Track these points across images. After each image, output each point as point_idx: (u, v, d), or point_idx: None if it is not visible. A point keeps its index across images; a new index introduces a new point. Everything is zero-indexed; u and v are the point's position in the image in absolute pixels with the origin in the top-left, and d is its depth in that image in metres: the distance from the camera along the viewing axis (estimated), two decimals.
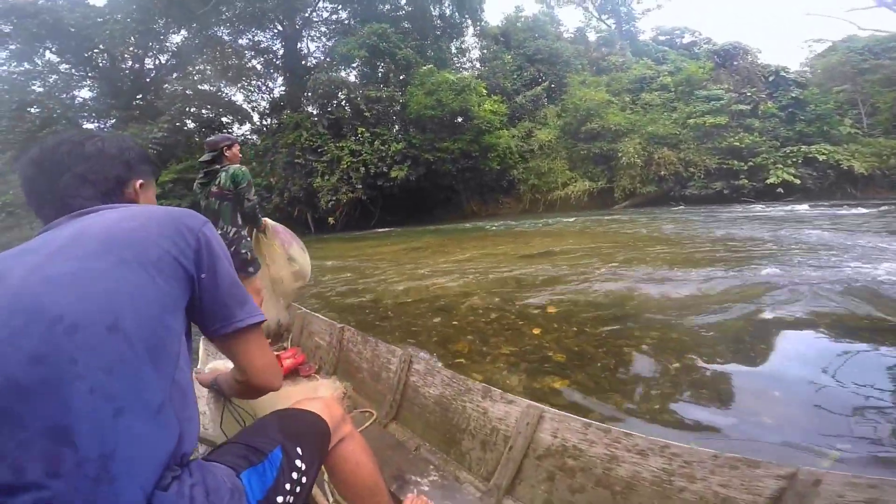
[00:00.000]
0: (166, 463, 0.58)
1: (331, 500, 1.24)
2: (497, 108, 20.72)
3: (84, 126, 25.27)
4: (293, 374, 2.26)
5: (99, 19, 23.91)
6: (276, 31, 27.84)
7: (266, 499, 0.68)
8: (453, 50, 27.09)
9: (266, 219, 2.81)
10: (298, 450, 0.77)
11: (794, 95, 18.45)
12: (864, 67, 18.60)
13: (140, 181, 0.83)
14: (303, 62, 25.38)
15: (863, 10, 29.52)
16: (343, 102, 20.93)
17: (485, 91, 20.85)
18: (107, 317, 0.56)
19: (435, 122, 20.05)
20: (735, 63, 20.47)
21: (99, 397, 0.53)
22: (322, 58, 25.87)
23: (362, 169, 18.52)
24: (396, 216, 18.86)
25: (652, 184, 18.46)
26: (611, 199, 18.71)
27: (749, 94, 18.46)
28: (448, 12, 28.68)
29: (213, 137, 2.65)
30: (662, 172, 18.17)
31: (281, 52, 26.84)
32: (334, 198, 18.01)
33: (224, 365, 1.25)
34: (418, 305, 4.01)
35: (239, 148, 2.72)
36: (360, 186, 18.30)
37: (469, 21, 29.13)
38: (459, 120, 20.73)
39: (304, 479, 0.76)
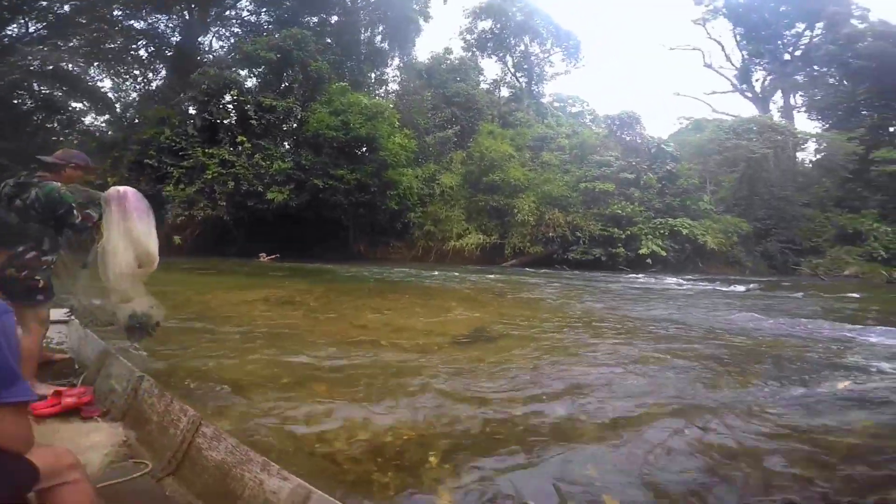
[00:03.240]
0: None
1: None
2: (407, 143, 18.91)
3: None
4: (73, 413, 2.05)
5: None
6: (181, 17, 23.75)
7: None
8: (372, 78, 25.22)
9: (114, 188, 2.41)
10: None
11: (668, 168, 19.02)
12: (727, 146, 19.95)
13: None
14: (199, 58, 21.53)
15: (721, 94, 33.98)
16: (229, 106, 17.63)
17: (397, 123, 19.00)
18: None
19: (334, 146, 17.53)
20: (625, 132, 21.06)
21: None
22: (223, 55, 22.27)
23: (231, 184, 15.27)
24: (264, 246, 15.60)
25: (539, 244, 17.74)
26: (500, 255, 17.62)
27: (634, 163, 18.74)
28: (379, 39, 27.07)
29: (73, 151, 2.47)
30: (551, 234, 17.56)
31: (176, 40, 22.72)
32: (186, 213, 14.45)
33: None
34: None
35: (87, 174, 2.54)
36: (224, 204, 15.00)
37: (397, 52, 27.77)
38: (364, 149, 18.48)
39: None
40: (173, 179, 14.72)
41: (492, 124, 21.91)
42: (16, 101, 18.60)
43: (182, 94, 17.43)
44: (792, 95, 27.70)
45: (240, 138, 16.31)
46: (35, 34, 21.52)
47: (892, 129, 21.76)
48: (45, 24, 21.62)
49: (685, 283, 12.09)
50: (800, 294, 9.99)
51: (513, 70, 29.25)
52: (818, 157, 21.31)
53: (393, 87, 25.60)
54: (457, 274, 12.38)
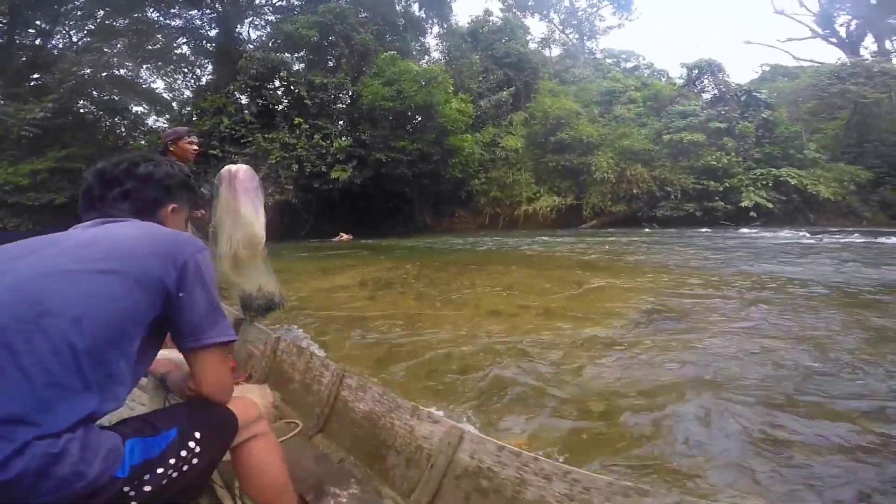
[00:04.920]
0: (72, 426, 0.62)
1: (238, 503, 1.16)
2: (464, 107, 17.44)
3: None
4: None
5: None
6: (214, 10, 23.11)
7: (142, 465, 0.69)
8: (414, 49, 23.65)
9: (227, 167, 2.22)
10: (196, 434, 0.77)
11: (764, 117, 16.76)
12: (830, 91, 17.22)
13: (173, 206, 0.90)
14: (239, 48, 20.78)
15: (799, 41, 30.32)
16: (279, 89, 16.80)
17: (451, 88, 17.55)
18: (75, 312, 0.65)
19: (391, 117, 16.42)
20: (704, 81, 18.56)
21: (40, 369, 0.61)
22: (264, 41, 21.42)
23: (295, 166, 14.52)
24: (333, 227, 14.87)
25: (622, 202, 15.94)
26: (577, 217, 15.99)
27: (723, 112, 16.47)
28: (416, 7, 25.39)
29: (168, 131, 2.56)
30: (635, 191, 15.71)
31: (213, 34, 22.12)
32: None
33: (169, 357, 1.20)
34: None
35: (189, 141, 2.39)
36: (291, 187, 14.27)
37: (435, 20, 25.99)
38: (419, 118, 17.21)
39: (193, 461, 0.76)
40: None
41: (550, 82, 19.92)
42: (81, 110, 18.75)
43: (233, 84, 16.73)
44: (888, 40, 23.86)
45: (297, 120, 15.46)
46: (80, 43, 21.61)
47: None
48: (85, 31, 21.69)
49: (813, 236, 9.90)
50: None
51: (560, 27, 26.74)
52: None
53: (436, 55, 23.95)
54: (542, 239, 11.09)
